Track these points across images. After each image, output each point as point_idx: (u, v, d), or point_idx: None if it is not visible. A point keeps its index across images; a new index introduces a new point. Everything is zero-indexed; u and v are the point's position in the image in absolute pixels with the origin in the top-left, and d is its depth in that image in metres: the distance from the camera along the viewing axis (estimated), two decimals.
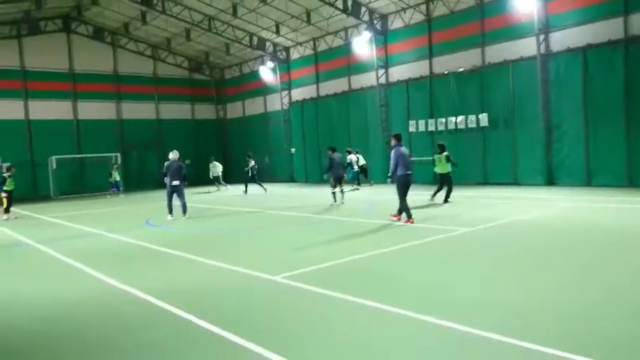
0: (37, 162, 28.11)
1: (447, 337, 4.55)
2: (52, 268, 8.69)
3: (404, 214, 11.19)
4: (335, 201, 15.85)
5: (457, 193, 17.52)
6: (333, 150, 16.15)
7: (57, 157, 27.63)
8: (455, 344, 4.39)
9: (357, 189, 21.65)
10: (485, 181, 20.51)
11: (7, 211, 16.93)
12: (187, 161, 30.53)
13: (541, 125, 18.63)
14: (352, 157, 22.25)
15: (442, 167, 14.97)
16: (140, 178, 31.20)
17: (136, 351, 4.67)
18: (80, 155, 29.26)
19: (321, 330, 4.90)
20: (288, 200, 19.00)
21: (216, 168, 27.21)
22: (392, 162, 11.16)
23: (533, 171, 19.06)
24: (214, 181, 27.25)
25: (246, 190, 22.85)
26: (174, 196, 14.22)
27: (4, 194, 16.80)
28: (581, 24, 17.64)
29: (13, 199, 17.28)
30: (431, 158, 22.19)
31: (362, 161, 22.99)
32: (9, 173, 16.98)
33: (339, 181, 15.88)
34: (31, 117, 28.69)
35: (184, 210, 14.27)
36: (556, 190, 17.07)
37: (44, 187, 27.84)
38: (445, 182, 14.88)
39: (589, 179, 17.66)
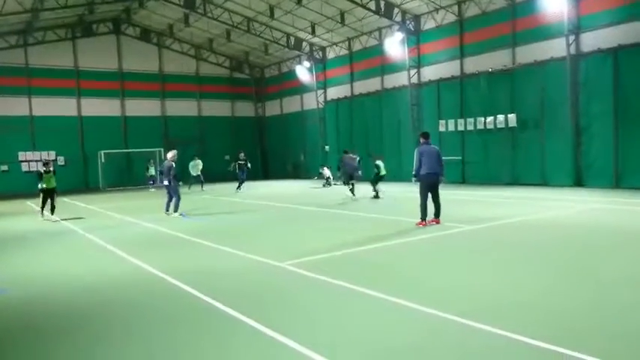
0: (88, 156, 30.19)
1: (446, 326, 5.18)
2: (92, 252, 9.79)
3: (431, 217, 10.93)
4: (353, 195, 17.54)
5: (481, 192, 17.83)
6: (346, 152, 19.36)
7: (106, 151, 29.61)
8: (451, 334, 5.03)
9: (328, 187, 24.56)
10: (514, 182, 20.56)
11: (42, 208, 15.03)
12: (226, 157, 32.09)
13: (570, 126, 18.62)
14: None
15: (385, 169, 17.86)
16: (182, 173, 32.54)
17: (147, 321, 5.56)
18: (127, 150, 31.12)
19: (305, 308, 5.64)
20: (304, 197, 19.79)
21: (198, 166, 26.14)
22: (415, 161, 10.91)
23: (562, 172, 19.03)
24: (195, 180, 26.00)
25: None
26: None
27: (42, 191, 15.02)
28: (612, 25, 17.51)
29: (51, 198, 15.00)
30: (460, 157, 22.68)
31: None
32: (45, 169, 15.17)
33: (349, 178, 18.17)
34: (83, 114, 30.73)
35: (175, 208, 14.64)
36: (583, 191, 17.07)
37: (94, 179, 29.91)
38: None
39: (617, 181, 17.54)
